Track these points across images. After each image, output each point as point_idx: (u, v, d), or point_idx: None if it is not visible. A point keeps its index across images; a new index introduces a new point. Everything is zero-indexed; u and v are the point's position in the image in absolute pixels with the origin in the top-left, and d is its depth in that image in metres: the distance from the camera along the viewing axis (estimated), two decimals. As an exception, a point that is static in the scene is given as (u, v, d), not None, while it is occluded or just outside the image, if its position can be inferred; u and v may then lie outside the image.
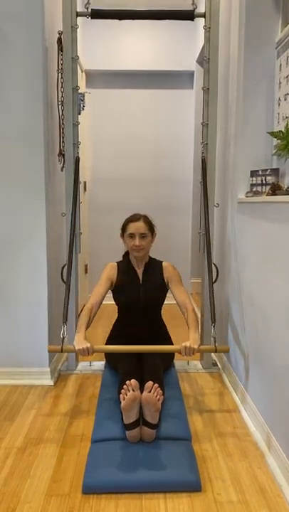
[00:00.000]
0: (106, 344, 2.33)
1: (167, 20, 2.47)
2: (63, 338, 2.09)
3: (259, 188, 2.07)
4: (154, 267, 2.28)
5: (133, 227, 2.16)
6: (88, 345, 1.91)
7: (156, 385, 1.72)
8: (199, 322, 2.75)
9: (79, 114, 2.47)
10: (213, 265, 2.36)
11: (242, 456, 1.75)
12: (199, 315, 3.00)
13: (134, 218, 2.19)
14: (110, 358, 2.28)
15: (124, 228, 2.21)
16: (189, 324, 2.08)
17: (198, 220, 2.66)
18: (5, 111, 2.24)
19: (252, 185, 2.14)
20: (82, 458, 1.73)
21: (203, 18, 2.40)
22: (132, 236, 2.17)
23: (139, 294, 2.21)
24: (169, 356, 2.31)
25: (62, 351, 1.99)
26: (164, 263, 2.29)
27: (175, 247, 4.16)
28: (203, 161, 2.47)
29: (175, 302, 2.23)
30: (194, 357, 2.74)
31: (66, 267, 2.33)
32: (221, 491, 1.55)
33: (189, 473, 1.57)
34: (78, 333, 1.99)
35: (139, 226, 2.16)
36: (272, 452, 1.71)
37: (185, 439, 1.78)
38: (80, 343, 1.93)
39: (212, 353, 2.70)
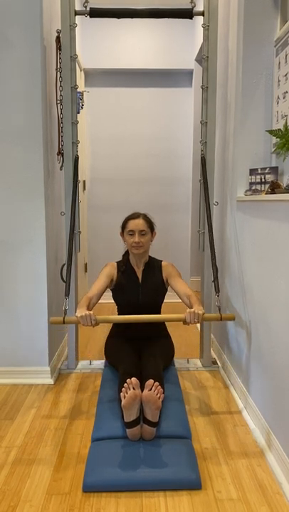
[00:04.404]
0: (106, 343, 2.34)
1: (166, 19, 2.47)
2: (65, 310, 2.09)
3: (258, 187, 2.07)
4: (153, 266, 2.28)
5: (132, 224, 2.17)
6: (91, 312, 1.90)
7: (156, 383, 1.73)
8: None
9: (78, 112, 2.47)
10: (212, 267, 2.36)
11: (242, 454, 1.75)
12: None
13: (133, 216, 2.21)
14: (110, 356, 2.28)
15: (123, 226, 2.22)
16: (192, 302, 2.04)
17: (197, 218, 2.67)
18: (3, 110, 2.24)
19: (251, 183, 2.14)
20: (83, 456, 1.74)
21: (201, 17, 2.40)
22: (131, 233, 2.17)
23: (139, 293, 2.21)
24: (169, 354, 2.31)
25: (64, 323, 1.98)
26: (163, 262, 2.30)
27: (174, 246, 4.17)
28: (203, 159, 2.46)
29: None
30: (194, 355, 2.77)
31: (66, 264, 2.33)
32: (221, 488, 1.55)
33: (189, 471, 1.57)
34: (79, 309, 1.97)
35: (138, 223, 2.17)
36: (272, 450, 1.72)
37: (185, 437, 1.78)
38: (81, 312, 1.91)
39: (212, 352, 2.71)
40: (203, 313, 1.92)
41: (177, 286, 2.20)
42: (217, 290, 2.14)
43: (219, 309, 2.08)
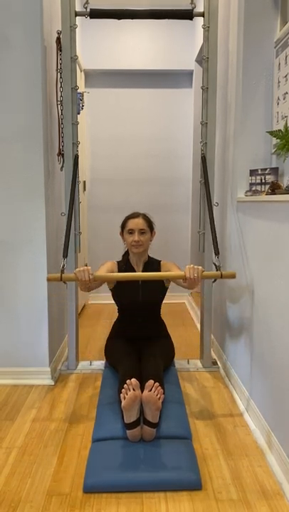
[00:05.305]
0: (106, 344, 2.34)
1: (166, 20, 2.47)
2: (63, 268, 2.08)
3: (258, 187, 2.08)
4: (153, 266, 2.28)
5: (132, 223, 2.18)
6: (89, 267, 1.90)
7: (156, 383, 1.73)
8: (200, 318, 2.76)
9: (78, 113, 2.47)
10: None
11: (242, 454, 1.75)
12: (199, 313, 3.01)
13: (133, 215, 2.22)
14: (110, 357, 2.29)
15: (123, 225, 2.23)
16: None
17: (197, 219, 2.67)
18: (4, 110, 2.24)
19: (251, 184, 2.14)
20: (83, 457, 1.73)
21: (202, 18, 2.40)
22: (131, 232, 2.18)
23: (139, 293, 2.21)
24: (170, 354, 2.31)
25: (61, 279, 1.98)
26: (162, 262, 2.30)
27: (174, 247, 4.17)
28: (203, 158, 2.46)
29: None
30: (194, 356, 2.77)
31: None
32: (221, 489, 1.55)
33: (190, 472, 1.57)
34: None
35: (138, 222, 2.18)
36: (272, 450, 1.72)
37: (185, 438, 1.78)
38: (78, 268, 1.91)
39: (212, 352, 2.71)
40: (203, 270, 1.93)
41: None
42: (217, 252, 2.15)
43: (219, 268, 2.07)
